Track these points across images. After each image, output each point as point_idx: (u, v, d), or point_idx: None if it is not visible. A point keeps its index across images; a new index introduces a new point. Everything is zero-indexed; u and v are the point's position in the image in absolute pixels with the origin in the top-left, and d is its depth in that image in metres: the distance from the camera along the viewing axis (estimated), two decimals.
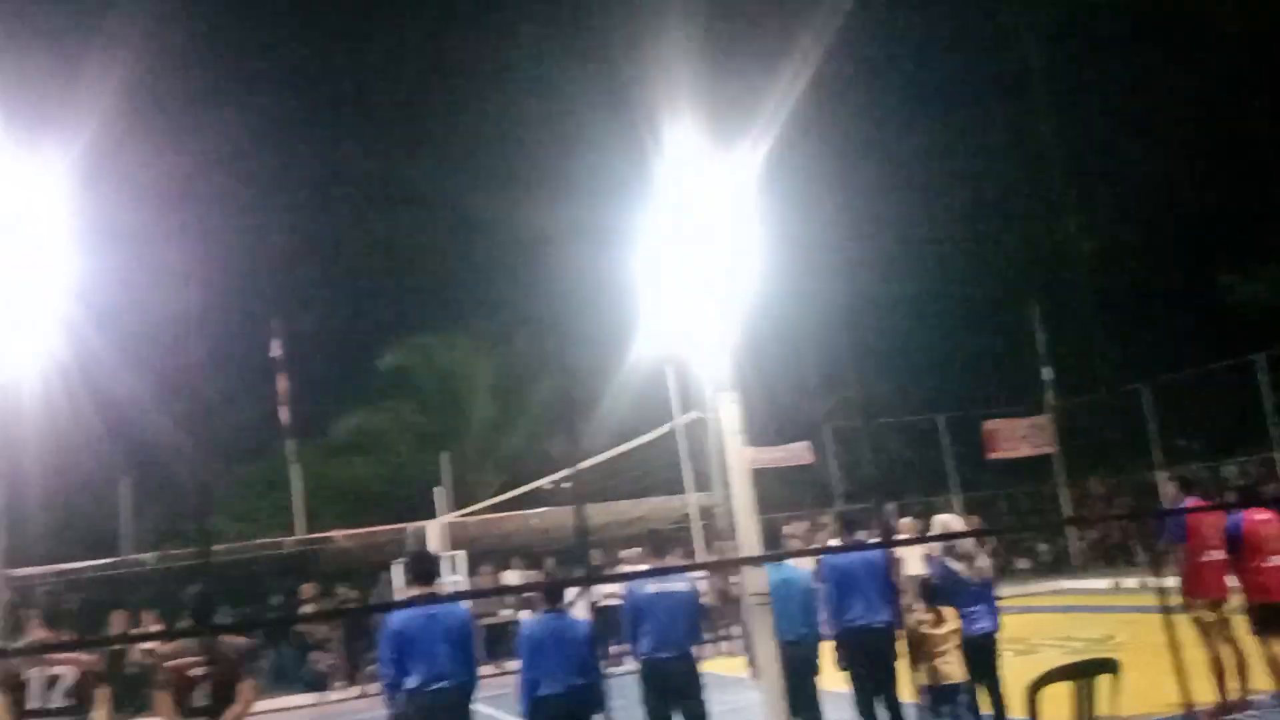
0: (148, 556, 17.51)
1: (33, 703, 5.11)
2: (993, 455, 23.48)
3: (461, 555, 16.25)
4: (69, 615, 16.24)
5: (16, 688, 5.12)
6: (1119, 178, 24.10)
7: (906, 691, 6.97)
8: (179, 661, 5.66)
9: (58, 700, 5.16)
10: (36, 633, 5.81)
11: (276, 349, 21.76)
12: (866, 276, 22.19)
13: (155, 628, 16.61)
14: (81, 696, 5.25)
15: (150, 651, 15.36)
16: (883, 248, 22.89)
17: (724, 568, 14.88)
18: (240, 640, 5.89)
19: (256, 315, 22.52)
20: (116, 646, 16.10)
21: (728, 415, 6.13)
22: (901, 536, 14.85)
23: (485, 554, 18.48)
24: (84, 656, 5.43)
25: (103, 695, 5.35)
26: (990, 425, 23.47)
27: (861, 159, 22.85)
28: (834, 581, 7.26)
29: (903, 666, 6.87)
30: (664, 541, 7.64)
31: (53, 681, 5.16)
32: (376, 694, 16.34)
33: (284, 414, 21.68)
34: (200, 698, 5.60)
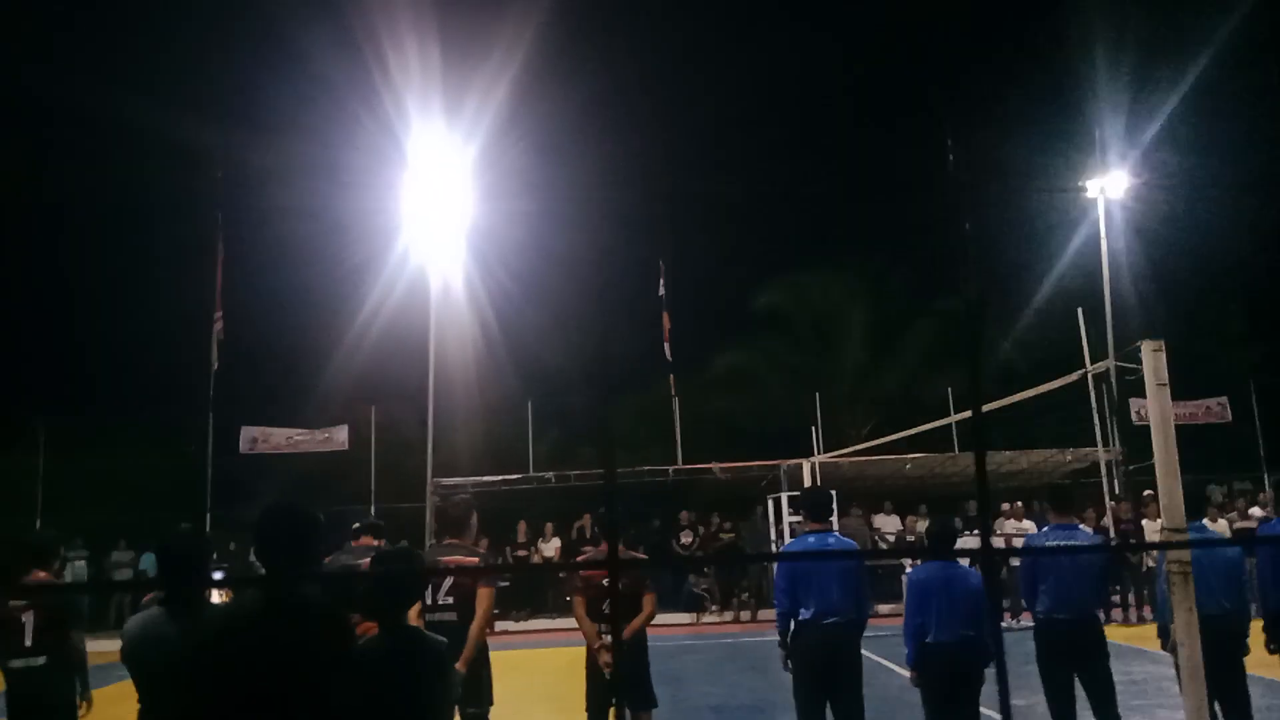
0: (548, 475, 19.28)
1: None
2: None
3: (833, 495, 16.32)
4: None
5: None
6: None
7: None
8: (594, 570, 6.23)
9: (441, 598, 5.57)
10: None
11: (662, 288, 23.02)
12: None
13: (554, 539, 18.42)
14: (462, 595, 5.53)
15: (569, 560, 17.05)
16: None
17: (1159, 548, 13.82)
18: (643, 558, 6.30)
19: (645, 256, 23.89)
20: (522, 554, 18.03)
21: (1153, 366, 5.56)
22: None
23: (856, 496, 18.46)
24: (464, 559, 5.70)
25: (484, 594, 5.53)
26: None
27: None
28: (1270, 555, 6.44)
29: None
30: (1069, 497, 7.14)
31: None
32: (748, 620, 17.05)
33: (667, 349, 22.96)
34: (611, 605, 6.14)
